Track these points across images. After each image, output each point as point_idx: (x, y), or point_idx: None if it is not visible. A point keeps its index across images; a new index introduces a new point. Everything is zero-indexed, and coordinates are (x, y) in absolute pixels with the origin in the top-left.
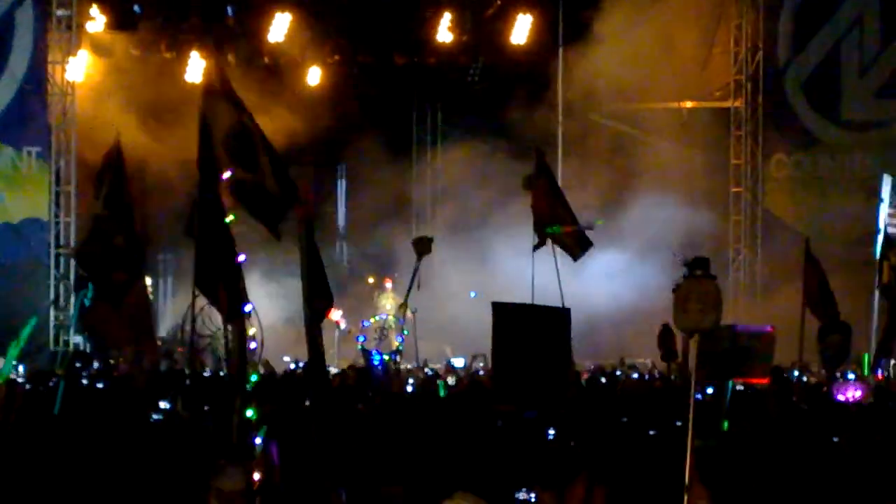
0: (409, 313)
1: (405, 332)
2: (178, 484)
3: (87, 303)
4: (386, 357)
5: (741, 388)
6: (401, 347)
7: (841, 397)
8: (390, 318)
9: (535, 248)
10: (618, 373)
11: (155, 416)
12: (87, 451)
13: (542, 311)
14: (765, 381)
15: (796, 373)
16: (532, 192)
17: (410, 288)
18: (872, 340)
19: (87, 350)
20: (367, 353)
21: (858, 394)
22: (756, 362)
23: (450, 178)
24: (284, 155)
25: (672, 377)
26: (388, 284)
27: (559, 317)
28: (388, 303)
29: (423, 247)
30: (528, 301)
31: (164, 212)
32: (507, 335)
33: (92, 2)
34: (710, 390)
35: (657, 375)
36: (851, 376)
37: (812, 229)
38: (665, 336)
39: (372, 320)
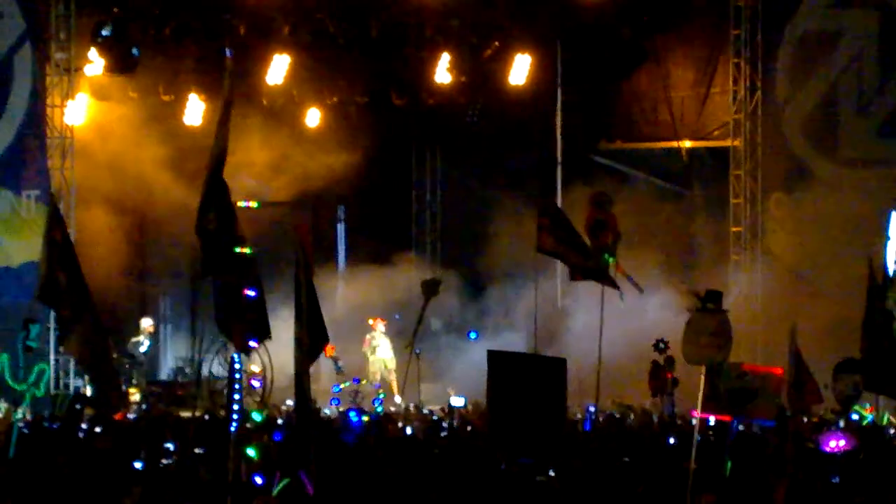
0: (382, 359)
1: (381, 396)
2: None
3: (31, 344)
4: (365, 418)
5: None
6: (379, 410)
7: (826, 448)
8: (363, 382)
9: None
10: (617, 415)
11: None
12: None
13: (538, 360)
14: (768, 422)
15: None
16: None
17: (417, 329)
18: None
19: (88, 393)
20: (344, 415)
21: (843, 443)
22: (762, 403)
23: (449, 218)
24: (283, 196)
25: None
26: (381, 325)
27: (555, 366)
28: (380, 343)
29: (431, 289)
30: (530, 342)
31: (163, 255)
32: (502, 384)
33: (90, 45)
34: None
35: (654, 418)
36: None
37: (812, 267)
38: (655, 372)
39: (342, 386)
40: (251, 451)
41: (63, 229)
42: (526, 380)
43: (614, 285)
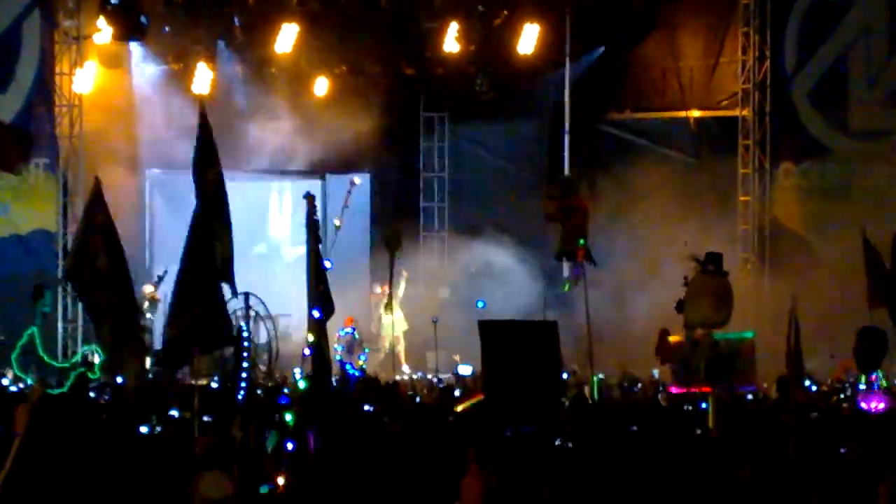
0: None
1: (366, 350)
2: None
3: (45, 310)
4: (355, 372)
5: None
6: (364, 366)
7: (864, 405)
8: (356, 334)
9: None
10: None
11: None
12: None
13: (528, 326)
14: (751, 387)
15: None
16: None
17: (391, 288)
18: None
19: (95, 361)
20: (342, 366)
21: (882, 405)
22: (740, 369)
23: (458, 187)
24: (292, 165)
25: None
26: (377, 289)
27: (546, 330)
28: (384, 309)
29: (393, 243)
30: (539, 310)
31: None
32: (496, 353)
33: (99, 13)
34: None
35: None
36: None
37: (819, 238)
38: (664, 341)
39: (342, 333)
40: (288, 417)
41: (106, 212)
42: (519, 347)
43: (590, 259)
